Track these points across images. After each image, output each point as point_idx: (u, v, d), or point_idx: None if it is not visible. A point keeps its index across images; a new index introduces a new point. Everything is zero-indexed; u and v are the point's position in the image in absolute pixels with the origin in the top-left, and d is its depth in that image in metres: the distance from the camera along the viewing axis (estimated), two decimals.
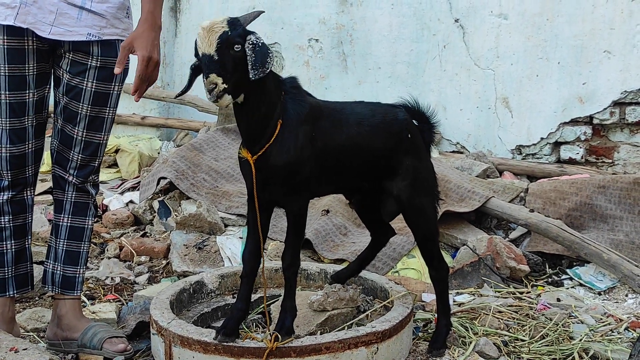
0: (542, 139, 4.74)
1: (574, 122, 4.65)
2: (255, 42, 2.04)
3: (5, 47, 2.31)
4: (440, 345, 2.44)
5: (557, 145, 4.72)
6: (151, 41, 2.29)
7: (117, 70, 2.30)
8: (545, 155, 4.74)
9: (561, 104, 4.66)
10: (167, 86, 6.42)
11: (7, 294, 2.48)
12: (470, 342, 2.54)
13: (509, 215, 3.63)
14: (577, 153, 4.63)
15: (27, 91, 2.36)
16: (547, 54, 4.69)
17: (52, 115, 2.51)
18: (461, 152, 4.97)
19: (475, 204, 3.68)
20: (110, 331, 2.52)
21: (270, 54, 2.06)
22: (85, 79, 2.40)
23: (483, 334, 2.64)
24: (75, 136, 2.45)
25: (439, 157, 4.53)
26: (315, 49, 5.54)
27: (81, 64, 2.40)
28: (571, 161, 4.64)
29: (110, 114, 2.49)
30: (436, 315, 2.53)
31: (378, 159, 2.34)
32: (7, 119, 2.35)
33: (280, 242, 3.49)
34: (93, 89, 2.41)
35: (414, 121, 2.45)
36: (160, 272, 3.48)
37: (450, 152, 4.99)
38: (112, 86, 2.45)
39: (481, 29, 4.91)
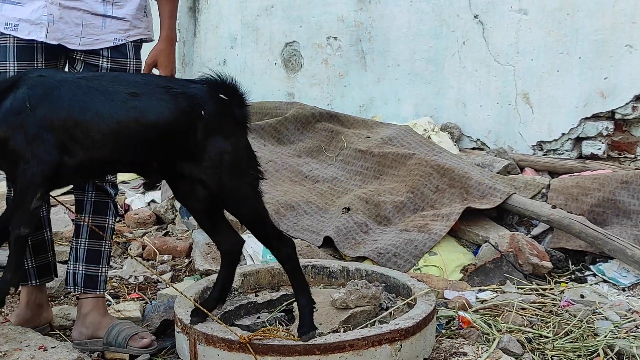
0: (563, 134, 4.70)
1: (596, 117, 4.61)
2: None
3: (15, 45, 2.41)
4: (308, 328, 2.24)
5: (578, 140, 4.68)
6: (172, 59, 2.49)
7: None
8: (566, 150, 4.71)
9: (582, 99, 4.63)
10: None
11: (29, 283, 2.59)
12: (494, 339, 2.53)
13: (531, 211, 3.62)
14: (599, 148, 4.59)
15: None
16: (568, 48, 4.66)
17: None
18: (481, 149, 4.95)
19: (496, 200, 3.67)
20: (134, 328, 2.56)
21: None
22: None
23: (506, 331, 2.63)
24: None
25: (459, 154, 4.52)
26: (334, 46, 5.54)
27: (93, 65, 2.48)
28: (593, 157, 4.60)
29: None
30: (296, 298, 2.35)
31: (159, 137, 2.13)
32: None
33: (302, 239, 3.50)
34: None
35: (221, 96, 2.22)
36: (182, 270, 3.51)
37: (471, 148, 4.97)
38: (116, 73, 2.48)
39: (501, 25, 4.89)
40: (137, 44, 2.55)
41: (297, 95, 5.63)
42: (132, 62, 2.53)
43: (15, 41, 2.41)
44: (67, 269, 2.62)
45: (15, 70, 2.40)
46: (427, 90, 5.16)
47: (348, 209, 3.68)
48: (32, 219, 2.13)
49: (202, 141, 2.15)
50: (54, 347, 1.91)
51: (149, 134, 2.13)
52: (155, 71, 2.46)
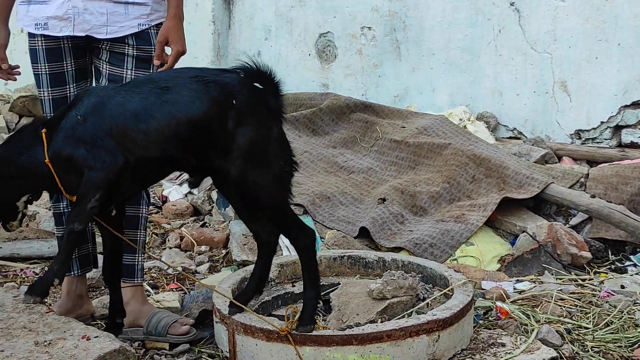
0: (602, 122, 4.63)
1: (636, 105, 4.53)
2: None
3: (44, 47, 2.51)
4: (307, 321, 2.24)
5: (617, 129, 4.60)
6: (182, 35, 2.50)
7: (157, 62, 2.47)
8: (605, 139, 4.63)
9: (622, 87, 4.55)
10: None
11: (72, 273, 2.67)
12: (532, 330, 2.51)
13: (570, 201, 3.58)
14: (639, 137, 4.52)
15: (67, 87, 2.56)
16: (607, 35, 4.58)
17: None
18: (518, 138, 4.90)
19: (534, 190, 3.63)
20: (173, 316, 2.60)
21: None
22: (125, 68, 2.54)
23: (545, 321, 2.61)
24: None
25: (495, 144, 4.48)
26: (368, 37, 5.52)
27: (119, 54, 2.54)
28: (633, 145, 4.52)
29: None
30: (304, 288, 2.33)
31: (192, 127, 2.16)
32: (52, 114, 2.53)
33: (338, 230, 3.51)
34: (132, 76, 2.53)
35: (256, 85, 2.22)
36: (220, 261, 3.54)
37: (507, 138, 4.92)
38: (150, 73, 2.54)
39: (537, 12, 4.82)
40: (157, 31, 2.58)
41: (332, 86, 5.62)
42: (155, 47, 2.55)
43: (44, 43, 2.51)
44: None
45: (47, 72, 2.52)
46: (463, 79, 5.11)
47: (384, 200, 3.67)
48: (87, 218, 2.22)
49: (232, 131, 2.16)
50: (97, 337, 1.95)
51: (183, 126, 2.16)
52: (168, 49, 2.49)
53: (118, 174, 2.18)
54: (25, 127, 2.41)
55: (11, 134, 2.53)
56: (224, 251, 3.63)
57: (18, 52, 2.58)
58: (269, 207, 2.26)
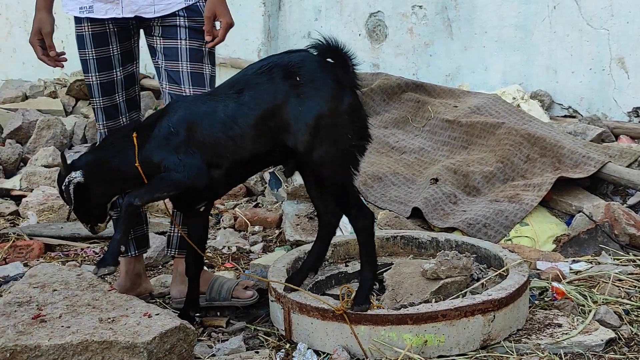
0: None
1: None
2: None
3: (90, 33, 2.53)
4: (362, 300, 2.25)
5: None
6: (227, 8, 2.50)
7: (208, 37, 2.49)
8: None
9: None
10: None
11: (129, 254, 2.75)
12: (590, 311, 2.49)
13: (628, 180, 3.51)
14: None
15: (114, 70, 2.59)
16: None
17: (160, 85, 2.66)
18: (573, 117, 4.80)
19: (590, 169, 3.56)
20: (234, 280, 2.67)
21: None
22: (179, 39, 2.55)
23: (603, 302, 2.58)
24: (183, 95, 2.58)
25: (550, 122, 4.41)
26: (419, 15, 5.46)
27: (172, 27, 2.54)
28: None
29: (208, 71, 2.60)
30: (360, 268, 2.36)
31: (268, 116, 2.22)
32: (100, 98, 2.60)
33: (390, 211, 3.51)
34: (188, 47, 2.54)
35: (328, 60, 2.23)
36: (273, 241, 3.58)
37: (562, 116, 4.84)
38: (204, 42, 2.55)
39: None
40: (204, 4, 2.57)
41: (382, 66, 5.59)
42: None
43: (90, 29, 2.54)
44: (168, 233, 2.78)
45: (95, 57, 2.54)
46: (516, 57, 5.03)
47: (436, 180, 3.65)
48: (148, 201, 2.35)
49: (298, 107, 2.19)
50: (158, 314, 2.00)
51: (260, 122, 2.24)
52: (217, 24, 2.50)
53: (196, 186, 2.29)
54: (116, 131, 2.55)
55: (104, 138, 2.60)
56: (277, 231, 3.67)
57: (74, 37, 2.61)
58: (333, 183, 2.27)
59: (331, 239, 2.52)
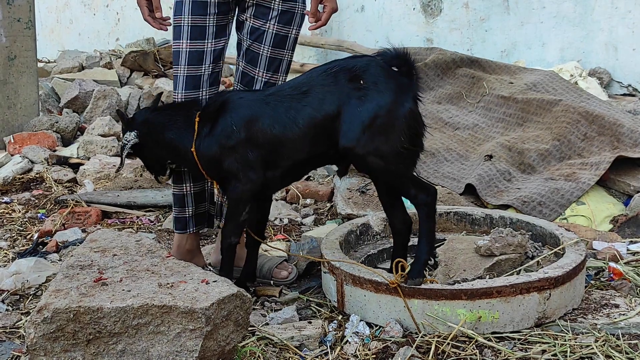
0: None
1: None
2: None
3: (191, 0, 2.51)
4: (416, 274, 2.25)
5: None
6: None
7: (311, 19, 2.52)
8: None
9: None
10: (325, 33, 6.49)
11: (187, 231, 2.73)
12: None
13: None
14: None
15: (206, 41, 2.55)
16: None
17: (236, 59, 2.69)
18: (633, 95, 4.69)
19: None
20: (274, 260, 2.73)
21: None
22: (268, 22, 2.57)
23: None
24: (255, 77, 2.62)
25: (609, 100, 4.31)
26: None
27: (265, 8, 2.57)
28: None
29: (287, 57, 2.65)
30: (418, 242, 2.35)
31: (330, 118, 2.27)
32: (186, 66, 2.56)
33: (443, 186, 3.49)
34: (274, 31, 2.58)
35: (393, 68, 2.29)
36: (325, 214, 3.60)
37: (621, 95, 4.73)
38: (291, 29, 2.61)
39: None
40: None
41: (436, 41, 5.53)
42: (300, 4, 2.60)
43: None
44: (216, 203, 2.80)
45: (190, 24, 2.51)
46: (575, 33, 4.92)
47: (490, 157, 3.61)
48: (241, 230, 2.48)
49: (357, 108, 2.24)
50: (215, 281, 2.03)
51: (321, 123, 2.29)
52: (320, 7, 2.51)
53: (262, 188, 2.38)
54: (181, 104, 2.53)
55: (167, 104, 2.63)
56: (328, 204, 3.68)
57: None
58: (388, 180, 2.36)
59: (406, 249, 2.52)
